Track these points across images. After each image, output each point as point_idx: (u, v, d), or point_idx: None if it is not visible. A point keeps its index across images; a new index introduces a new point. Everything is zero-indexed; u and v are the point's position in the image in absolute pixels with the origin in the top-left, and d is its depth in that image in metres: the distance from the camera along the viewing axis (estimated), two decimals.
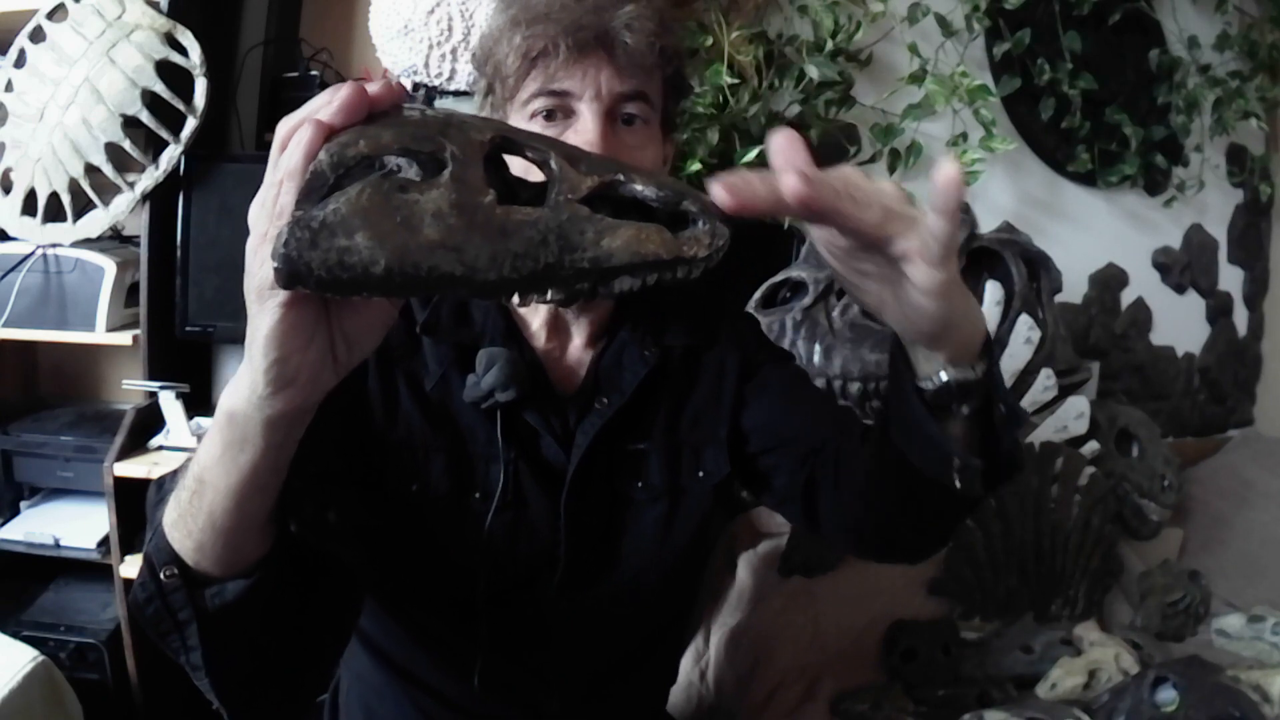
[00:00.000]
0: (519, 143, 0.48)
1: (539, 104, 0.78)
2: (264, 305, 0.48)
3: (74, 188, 1.61)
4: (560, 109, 0.78)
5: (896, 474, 0.69)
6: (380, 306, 0.53)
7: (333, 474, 0.79)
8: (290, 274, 0.43)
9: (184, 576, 0.60)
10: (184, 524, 0.59)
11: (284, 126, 0.48)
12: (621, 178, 0.48)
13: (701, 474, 0.89)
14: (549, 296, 0.46)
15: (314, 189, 0.44)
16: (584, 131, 0.76)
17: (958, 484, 0.64)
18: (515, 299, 0.46)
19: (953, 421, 0.63)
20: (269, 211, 0.47)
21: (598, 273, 0.46)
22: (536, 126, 0.78)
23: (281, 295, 0.47)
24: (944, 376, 0.60)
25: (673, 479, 0.88)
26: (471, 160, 0.45)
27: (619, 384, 0.85)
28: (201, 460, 0.57)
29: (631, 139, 0.79)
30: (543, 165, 0.47)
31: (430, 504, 0.83)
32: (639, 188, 0.48)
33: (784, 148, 0.47)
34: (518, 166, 0.49)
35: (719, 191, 0.46)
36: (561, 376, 0.87)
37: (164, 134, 1.59)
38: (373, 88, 0.46)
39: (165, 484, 0.66)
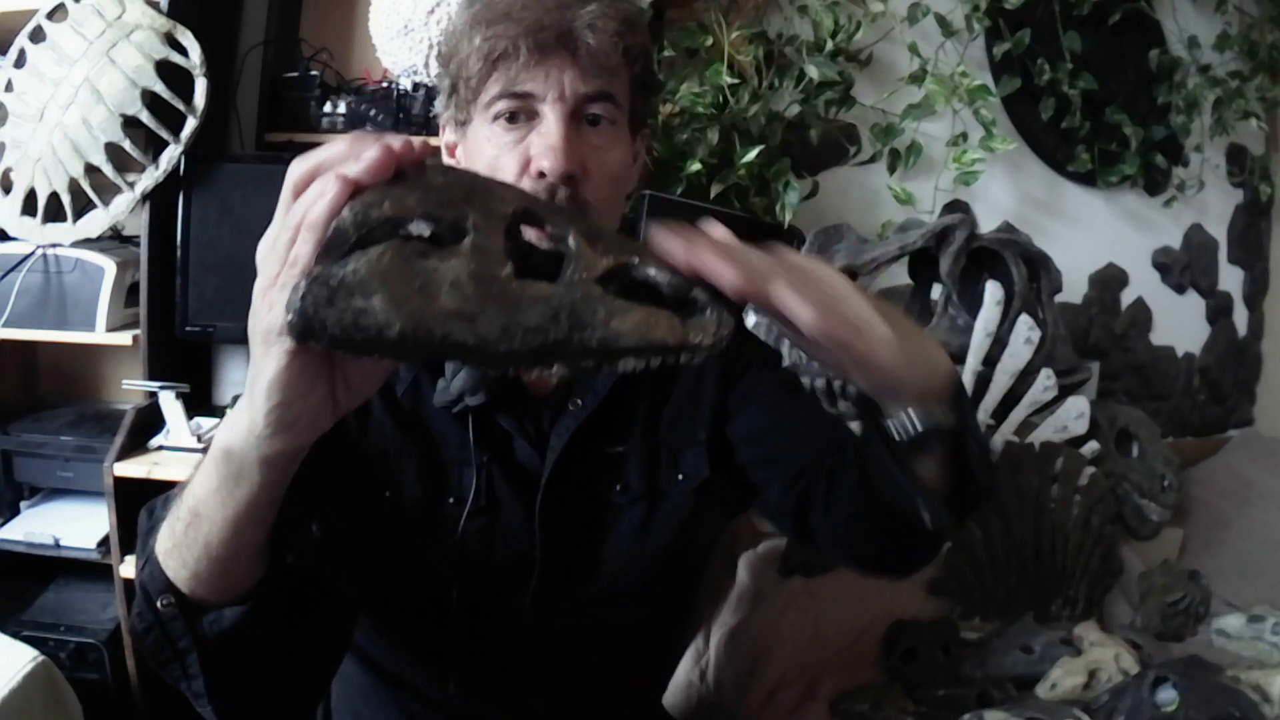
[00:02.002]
0: (540, 216, 0.48)
1: (501, 106, 0.76)
2: (269, 350, 0.48)
3: (74, 188, 1.61)
4: (523, 111, 0.76)
5: (876, 503, 0.70)
6: None
7: (314, 488, 0.78)
8: (304, 329, 0.43)
9: (180, 605, 0.59)
10: (179, 554, 0.59)
11: (298, 169, 0.48)
12: (636, 260, 0.49)
13: (680, 477, 0.87)
14: (554, 370, 0.47)
15: (334, 246, 0.44)
16: (547, 134, 0.74)
17: (928, 524, 0.65)
18: (520, 370, 0.47)
19: (925, 460, 0.64)
20: (280, 256, 0.46)
21: (604, 352, 0.47)
22: (499, 128, 0.77)
23: (289, 343, 0.47)
24: (912, 425, 0.61)
25: (651, 482, 0.86)
26: (492, 231, 0.46)
27: (592, 384, 0.84)
28: (196, 493, 0.57)
29: (597, 140, 0.78)
30: (559, 241, 0.48)
31: (404, 511, 0.82)
32: (651, 272, 0.49)
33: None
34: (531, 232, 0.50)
35: (671, 243, 0.48)
36: (535, 379, 0.85)
37: (164, 134, 1.59)
38: (399, 146, 0.46)
39: (155, 511, 0.65)
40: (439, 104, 0.84)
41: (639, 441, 0.87)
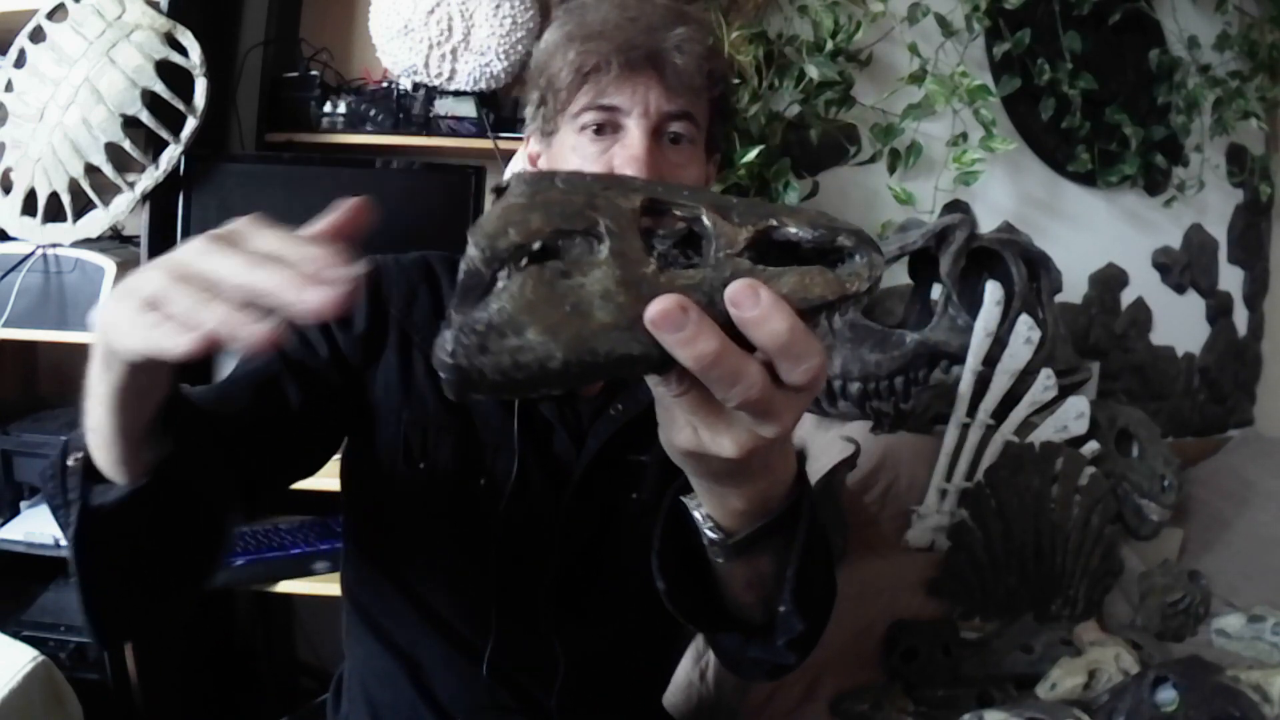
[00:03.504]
0: (667, 201, 0.46)
1: (589, 117, 0.81)
2: (111, 361, 0.51)
3: (74, 188, 1.61)
4: (609, 124, 0.81)
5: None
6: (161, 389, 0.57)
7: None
8: (463, 383, 0.41)
9: (85, 467, 0.62)
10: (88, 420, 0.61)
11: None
12: (775, 223, 0.46)
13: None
14: None
15: (470, 289, 0.42)
16: (630, 146, 0.79)
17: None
18: None
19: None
20: (207, 272, 0.43)
21: None
22: (586, 139, 0.81)
23: (130, 358, 0.49)
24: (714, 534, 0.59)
25: (663, 496, 0.88)
26: (627, 230, 0.43)
27: (635, 392, 0.87)
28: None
29: (676, 157, 0.82)
30: (694, 222, 0.45)
31: (437, 485, 0.85)
32: (793, 230, 0.46)
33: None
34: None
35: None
36: None
37: (164, 134, 1.59)
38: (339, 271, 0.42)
39: None
40: (526, 115, 0.89)
41: (661, 453, 0.87)
